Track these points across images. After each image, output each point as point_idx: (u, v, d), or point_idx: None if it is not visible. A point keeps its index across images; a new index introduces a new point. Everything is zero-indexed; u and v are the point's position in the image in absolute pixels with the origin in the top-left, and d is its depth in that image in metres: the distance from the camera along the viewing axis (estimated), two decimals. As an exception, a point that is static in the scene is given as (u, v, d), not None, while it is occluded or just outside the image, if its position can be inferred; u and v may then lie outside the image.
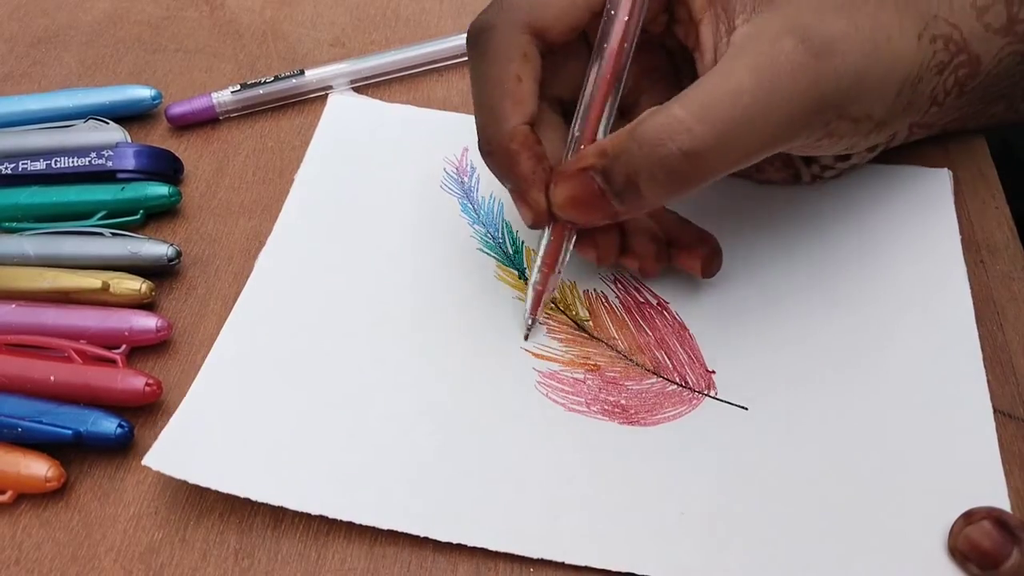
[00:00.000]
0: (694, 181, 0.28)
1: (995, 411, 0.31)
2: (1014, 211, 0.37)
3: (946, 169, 0.38)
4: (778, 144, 0.29)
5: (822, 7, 0.28)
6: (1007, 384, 0.32)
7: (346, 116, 0.42)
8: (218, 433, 0.31)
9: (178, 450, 0.30)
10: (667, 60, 0.34)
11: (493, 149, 0.31)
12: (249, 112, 0.43)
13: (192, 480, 0.29)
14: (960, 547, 0.28)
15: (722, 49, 0.29)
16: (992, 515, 0.27)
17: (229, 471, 0.30)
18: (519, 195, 0.31)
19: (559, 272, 0.33)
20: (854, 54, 0.28)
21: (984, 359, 0.32)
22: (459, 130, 0.41)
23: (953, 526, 0.28)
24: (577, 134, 0.31)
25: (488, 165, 0.32)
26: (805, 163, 0.36)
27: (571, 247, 0.33)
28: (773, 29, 0.28)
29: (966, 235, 0.36)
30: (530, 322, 0.34)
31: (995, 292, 0.34)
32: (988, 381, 0.32)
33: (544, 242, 0.32)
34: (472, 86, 0.32)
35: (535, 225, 0.32)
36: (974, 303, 0.34)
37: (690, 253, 0.34)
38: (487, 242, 0.37)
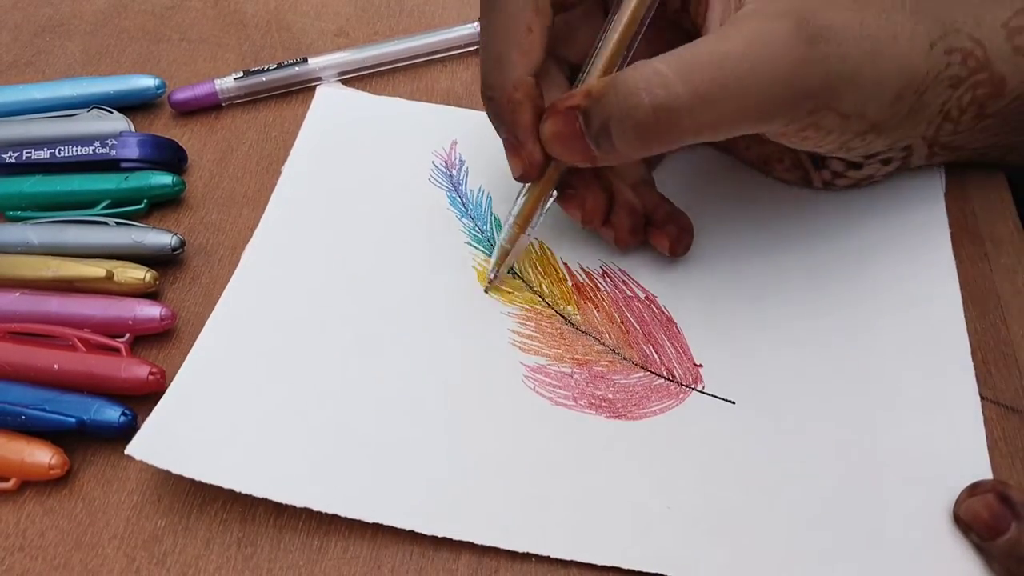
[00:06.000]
0: (662, 139, 0.29)
1: (999, 405, 0.31)
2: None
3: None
4: (753, 121, 0.29)
5: None
6: (1010, 378, 0.32)
7: (334, 108, 0.42)
8: (200, 424, 0.31)
9: (161, 440, 0.30)
10: (684, 40, 0.35)
11: (495, 95, 0.31)
12: (252, 100, 0.43)
13: (174, 470, 0.29)
14: (962, 515, 0.28)
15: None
16: (996, 488, 0.28)
17: (210, 462, 0.30)
18: (512, 146, 0.32)
19: (529, 235, 0.33)
20: (850, 47, 0.28)
21: (987, 353, 0.32)
22: (448, 123, 0.41)
23: (960, 495, 0.29)
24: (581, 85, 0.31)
25: (488, 110, 0.32)
26: (815, 166, 0.36)
27: (545, 210, 0.33)
28: (775, 8, 0.28)
29: (970, 228, 0.36)
30: (492, 276, 0.34)
31: (999, 286, 0.34)
32: (991, 375, 0.32)
33: (520, 201, 0.33)
34: (481, 33, 0.32)
35: (523, 178, 0.32)
36: (977, 296, 0.34)
37: (660, 231, 0.34)
38: (475, 235, 0.37)
